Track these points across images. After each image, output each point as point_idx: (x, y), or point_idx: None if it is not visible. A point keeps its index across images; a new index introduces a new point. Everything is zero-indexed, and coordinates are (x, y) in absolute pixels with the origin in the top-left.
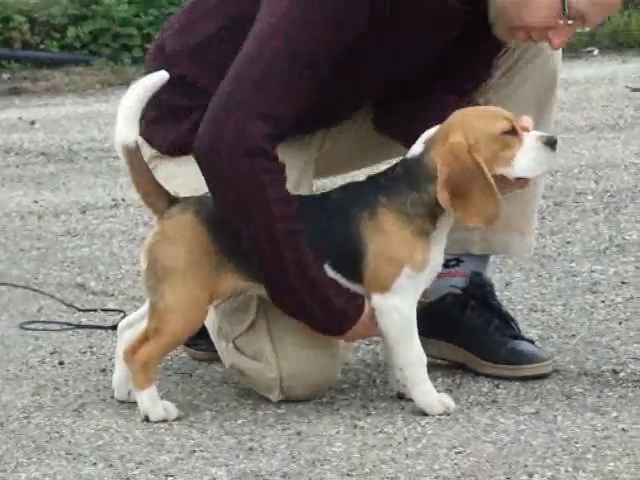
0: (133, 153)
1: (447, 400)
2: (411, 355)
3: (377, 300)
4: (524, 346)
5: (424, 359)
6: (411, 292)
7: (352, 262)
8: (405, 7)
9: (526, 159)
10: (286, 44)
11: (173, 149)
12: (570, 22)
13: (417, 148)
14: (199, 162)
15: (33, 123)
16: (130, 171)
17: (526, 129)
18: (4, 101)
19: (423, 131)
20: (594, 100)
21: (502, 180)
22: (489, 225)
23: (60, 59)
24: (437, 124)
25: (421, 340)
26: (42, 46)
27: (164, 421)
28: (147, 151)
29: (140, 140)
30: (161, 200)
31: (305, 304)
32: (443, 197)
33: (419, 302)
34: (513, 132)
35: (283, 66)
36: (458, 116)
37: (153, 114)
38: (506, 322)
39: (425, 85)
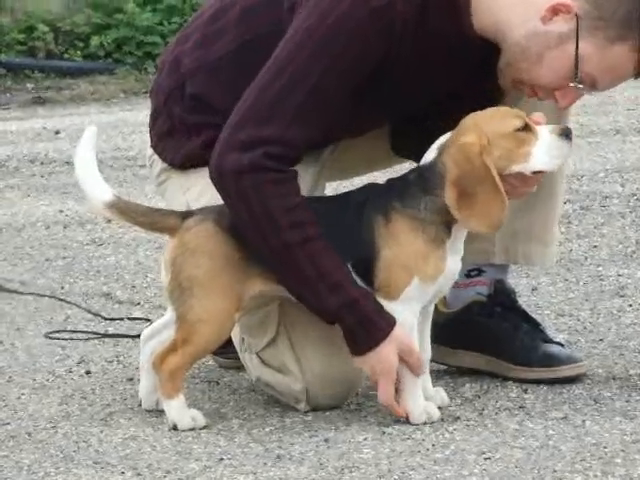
0: (117, 204)
1: (431, 408)
2: None
3: (382, 303)
4: (556, 349)
5: None
6: (417, 301)
7: (366, 265)
8: (424, 41)
9: (542, 153)
10: (298, 77)
11: (185, 163)
12: (580, 86)
13: (430, 154)
14: (213, 183)
15: (58, 132)
16: (126, 220)
17: (538, 124)
18: (28, 111)
19: None
20: (619, 103)
21: (520, 178)
22: (492, 231)
23: (84, 68)
24: None
25: (448, 352)
26: (66, 55)
27: (192, 429)
28: (158, 164)
29: (150, 152)
30: (170, 219)
31: (332, 312)
32: (450, 197)
33: (441, 312)
34: (526, 128)
35: (293, 99)
36: (470, 118)
37: (164, 127)
38: (535, 326)
39: (439, 110)
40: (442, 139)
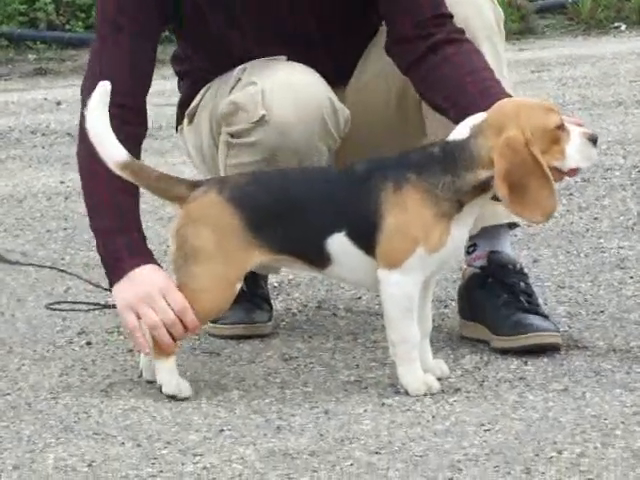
0: (131, 166)
1: (430, 380)
2: (406, 333)
3: (383, 273)
4: (531, 319)
5: (418, 339)
6: (418, 272)
7: (368, 234)
8: None
9: (575, 152)
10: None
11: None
12: None
13: (462, 132)
14: None
15: (59, 104)
16: (139, 183)
17: (580, 124)
18: (30, 82)
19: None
20: (622, 75)
21: (555, 173)
22: (546, 220)
23: (86, 39)
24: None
25: (461, 323)
26: (68, 26)
27: (192, 400)
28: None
29: None
30: (181, 188)
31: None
32: (502, 192)
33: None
34: (562, 126)
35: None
36: (510, 108)
37: None
38: (516, 297)
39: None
40: (474, 119)
